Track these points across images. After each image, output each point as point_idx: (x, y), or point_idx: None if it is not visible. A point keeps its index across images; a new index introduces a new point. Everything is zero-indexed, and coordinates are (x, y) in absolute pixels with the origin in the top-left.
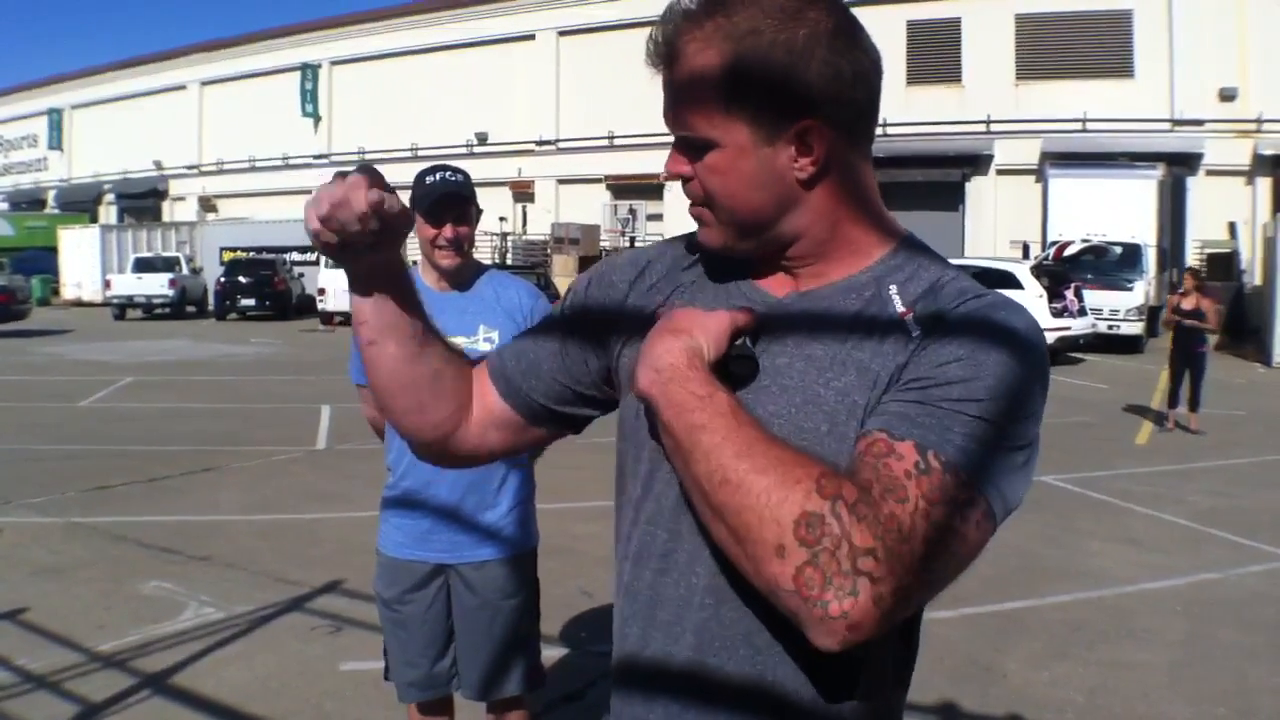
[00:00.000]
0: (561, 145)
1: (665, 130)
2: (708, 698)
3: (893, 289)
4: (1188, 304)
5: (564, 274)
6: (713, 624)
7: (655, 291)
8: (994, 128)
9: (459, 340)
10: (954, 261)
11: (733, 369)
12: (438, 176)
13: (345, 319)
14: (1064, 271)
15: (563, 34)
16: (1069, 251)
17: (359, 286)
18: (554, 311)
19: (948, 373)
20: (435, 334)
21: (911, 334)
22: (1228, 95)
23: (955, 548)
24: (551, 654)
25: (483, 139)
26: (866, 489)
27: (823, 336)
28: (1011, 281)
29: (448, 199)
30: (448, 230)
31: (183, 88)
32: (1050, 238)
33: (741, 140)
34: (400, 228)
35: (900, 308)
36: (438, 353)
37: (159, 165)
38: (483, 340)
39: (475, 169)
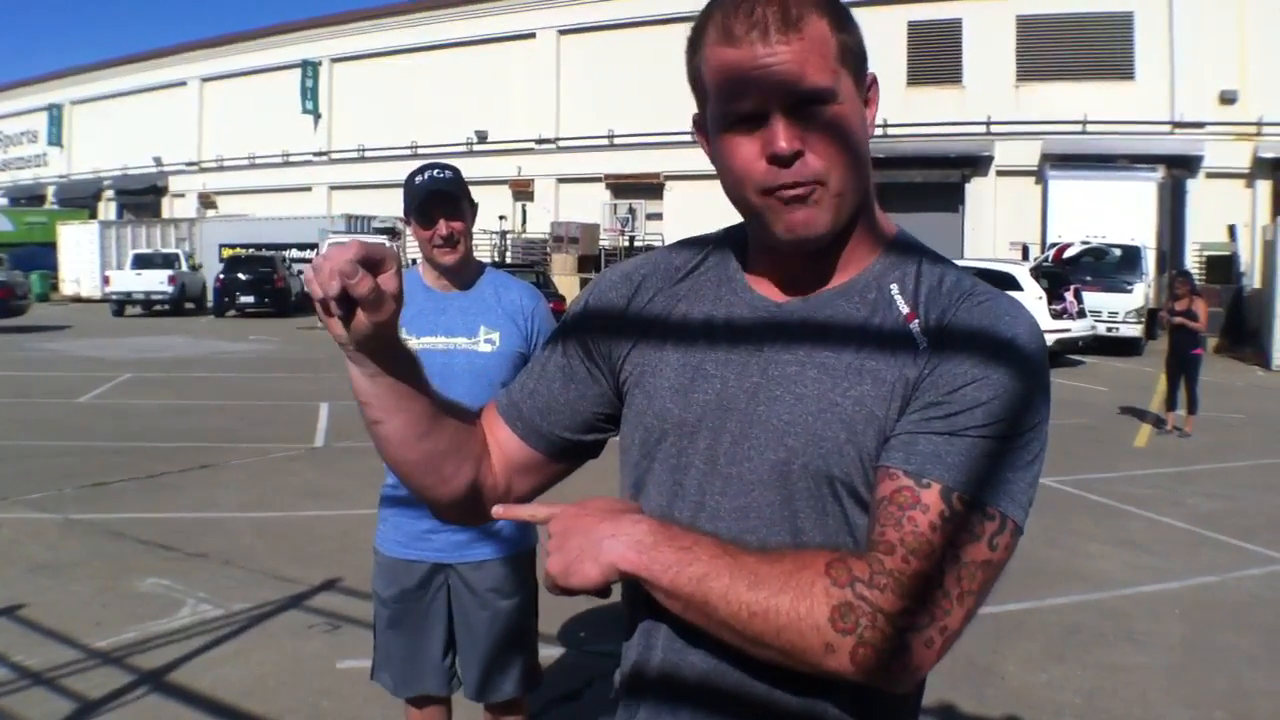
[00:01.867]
0: (561, 144)
1: (665, 130)
2: (726, 711)
3: (894, 289)
4: (1180, 306)
5: (563, 273)
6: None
7: (654, 305)
8: (994, 129)
9: (460, 341)
10: (954, 263)
11: None
12: (425, 175)
13: None
14: (1063, 273)
15: (563, 33)
16: (1068, 253)
17: (357, 362)
18: (552, 341)
19: (966, 396)
20: (444, 404)
21: (919, 344)
22: (1228, 98)
23: (989, 574)
24: (549, 653)
25: (482, 137)
26: (889, 553)
27: (832, 343)
28: (1011, 283)
29: (435, 197)
30: (441, 227)
31: (183, 84)
32: (1050, 239)
33: (850, 92)
34: (382, 301)
35: (904, 309)
36: (450, 424)
37: (159, 162)
38: (483, 341)
39: (475, 167)
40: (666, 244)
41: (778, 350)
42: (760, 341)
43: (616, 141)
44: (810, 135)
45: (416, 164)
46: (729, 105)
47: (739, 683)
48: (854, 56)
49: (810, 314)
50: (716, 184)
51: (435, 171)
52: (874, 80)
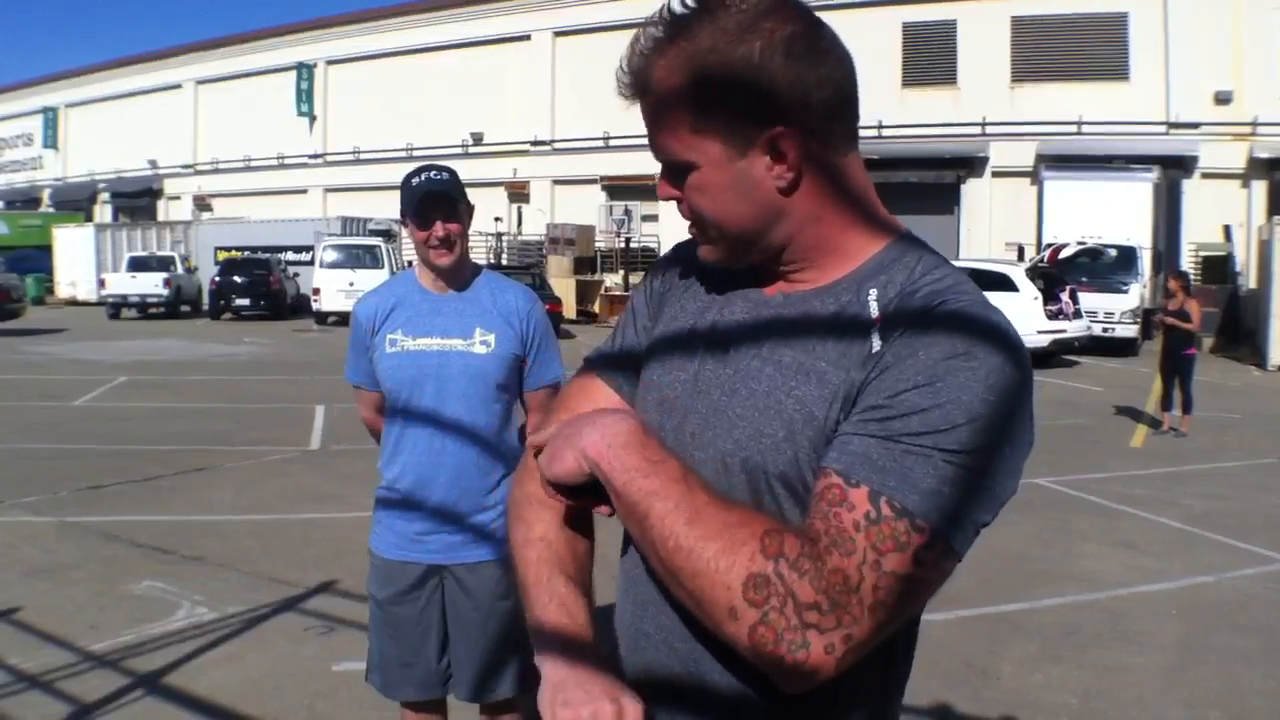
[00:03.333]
0: (557, 146)
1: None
2: (700, 712)
3: (873, 292)
4: (1173, 306)
5: (559, 274)
6: (700, 640)
7: (683, 284)
8: (989, 130)
9: (455, 342)
10: (952, 268)
11: None
12: (423, 177)
13: (339, 319)
14: (1059, 274)
15: (558, 34)
16: (1064, 254)
17: None
18: (630, 309)
19: (905, 402)
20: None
21: (872, 348)
22: (1223, 98)
23: (910, 589)
24: None
25: (478, 139)
26: (814, 541)
27: (794, 342)
28: (1006, 284)
29: (433, 198)
30: (438, 229)
31: (178, 87)
32: (1045, 240)
33: (715, 156)
34: None
35: (875, 314)
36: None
37: (154, 164)
38: (479, 343)
39: (470, 169)
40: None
41: (748, 344)
42: (739, 333)
43: (612, 143)
44: (683, 191)
45: (412, 166)
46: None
47: (690, 670)
48: (724, 115)
49: (784, 311)
50: None
51: (432, 173)
52: (780, 134)
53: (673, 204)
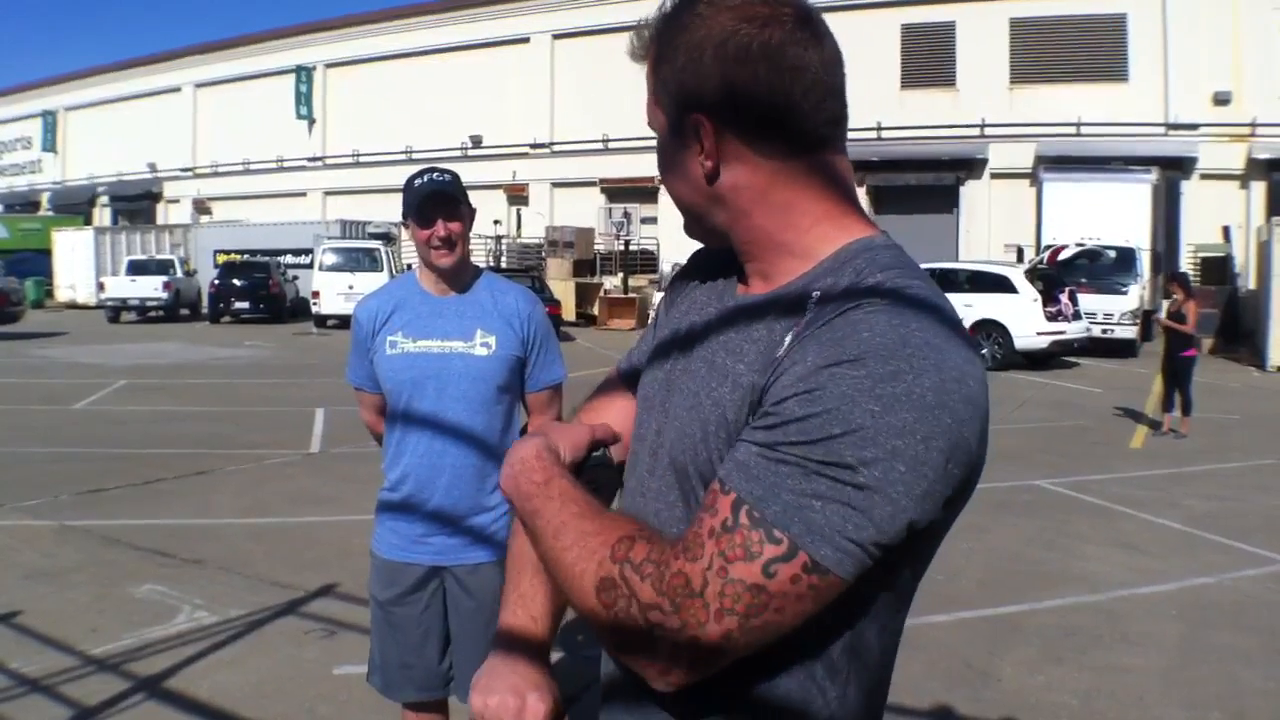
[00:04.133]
0: (556, 148)
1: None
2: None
3: (816, 294)
4: (1173, 307)
5: (558, 277)
6: None
7: (672, 299)
8: (988, 131)
9: (456, 344)
10: (948, 266)
11: (593, 477)
12: (425, 178)
13: (339, 322)
14: (1058, 275)
15: (557, 37)
16: (1063, 255)
17: None
18: (648, 327)
19: (785, 410)
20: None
21: (780, 350)
22: (1222, 99)
23: (764, 601)
24: None
25: (477, 142)
26: (669, 544)
27: (729, 344)
28: (1006, 285)
29: (435, 197)
30: (439, 228)
31: (177, 90)
32: (1044, 241)
33: (663, 129)
34: None
35: (808, 316)
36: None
37: (153, 168)
38: (479, 345)
39: (469, 172)
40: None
41: (701, 345)
42: (698, 333)
43: (611, 146)
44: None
45: (411, 169)
46: None
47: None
48: (669, 94)
49: (733, 311)
50: None
51: (434, 174)
52: (697, 123)
53: (673, 207)
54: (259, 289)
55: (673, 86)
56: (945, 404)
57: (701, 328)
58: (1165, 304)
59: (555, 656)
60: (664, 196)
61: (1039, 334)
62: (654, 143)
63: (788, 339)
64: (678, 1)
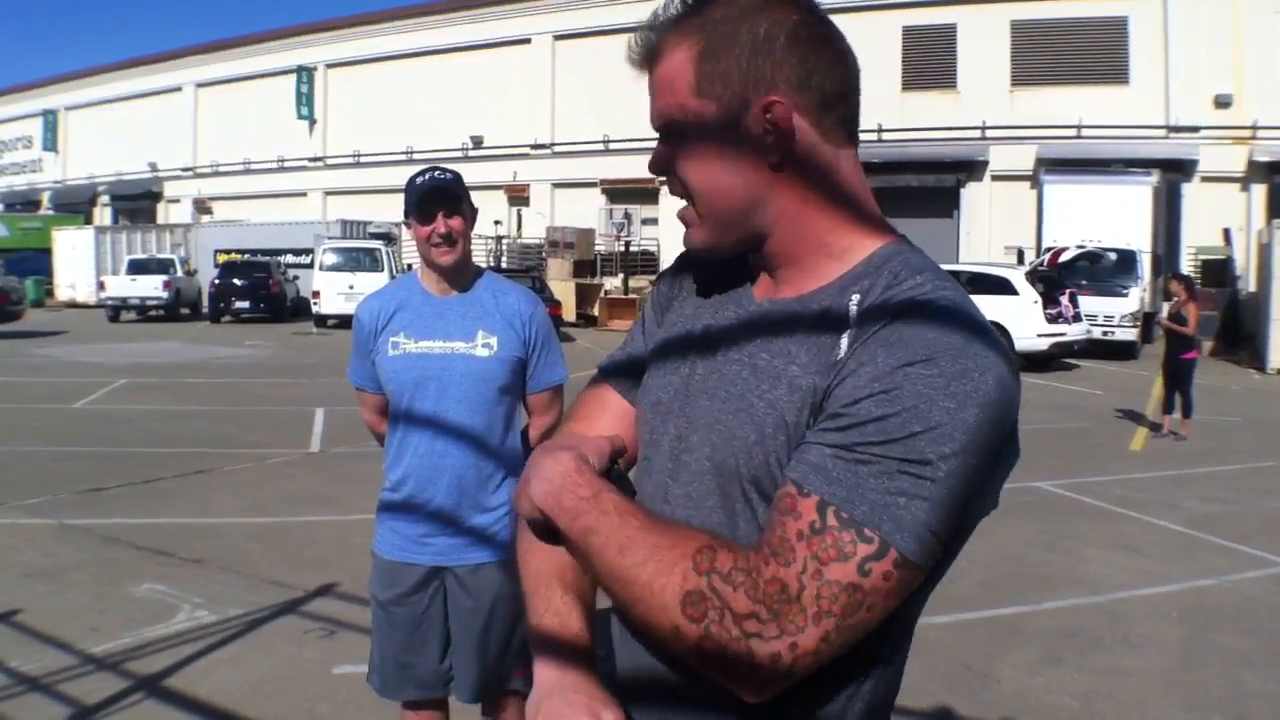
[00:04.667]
0: (557, 149)
1: (658, 134)
2: (683, 706)
3: (854, 297)
4: (1173, 309)
5: (558, 278)
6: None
7: (669, 302)
8: (989, 133)
9: (458, 345)
10: (949, 267)
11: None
12: (426, 176)
13: (339, 322)
14: (1059, 278)
15: (558, 38)
16: (1064, 257)
17: None
18: (641, 314)
19: (862, 410)
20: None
21: (839, 353)
22: (1223, 102)
23: (858, 599)
24: None
25: (478, 142)
26: (756, 551)
27: (772, 346)
28: (1006, 287)
29: (436, 193)
30: (439, 225)
31: (178, 90)
32: (1045, 244)
33: (711, 121)
34: None
35: (854, 317)
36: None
37: (154, 167)
38: (481, 345)
39: (470, 172)
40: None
41: (732, 348)
42: (725, 336)
43: (612, 147)
44: (675, 161)
45: (412, 170)
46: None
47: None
48: (726, 85)
49: (769, 314)
50: None
51: (436, 173)
52: (770, 105)
53: (674, 209)
54: (259, 289)
55: (737, 74)
56: (1004, 400)
57: (727, 331)
58: (1166, 305)
59: None
60: (665, 198)
61: (1039, 336)
62: (654, 143)
63: (843, 341)
64: (696, 5)
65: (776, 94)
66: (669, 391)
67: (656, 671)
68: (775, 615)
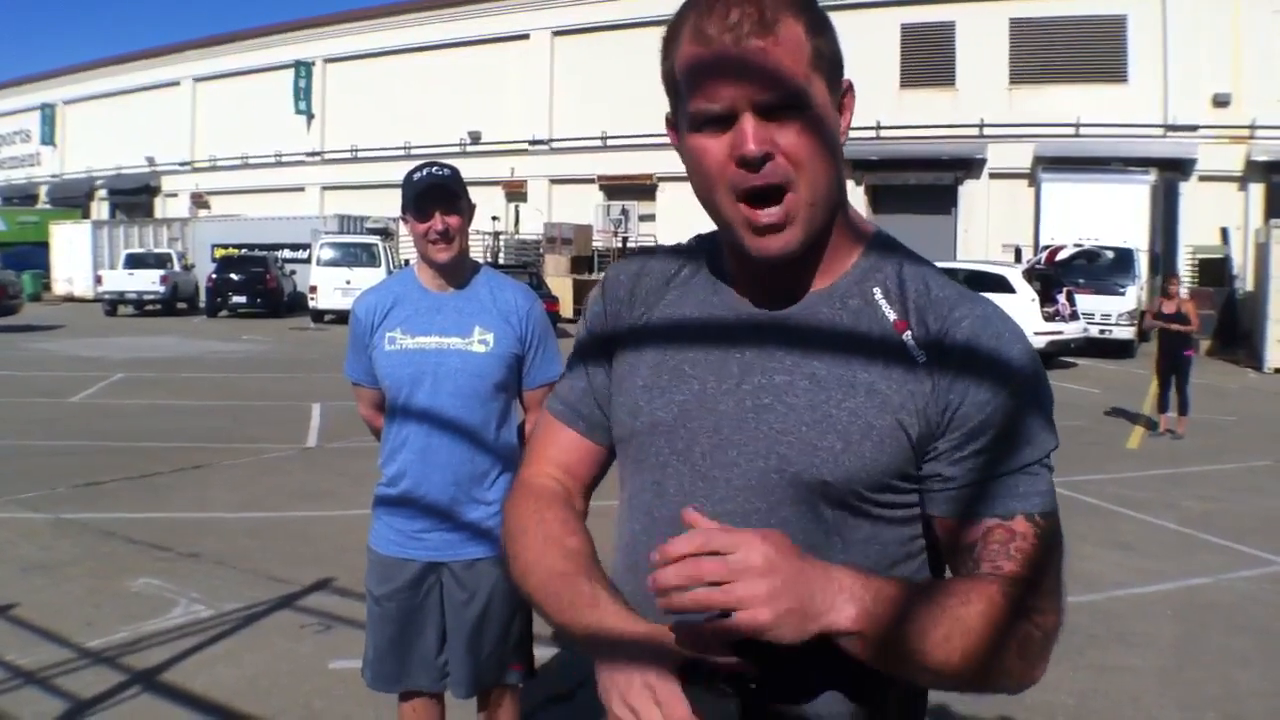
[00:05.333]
0: (555, 145)
1: (658, 131)
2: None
3: (877, 293)
4: (1169, 308)
5: (556, 274)
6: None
7: (640, 310)
8: (987, 131)
9: (454, 341)
10: (945, 265)
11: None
12: (424, 172)
13: (336, 317)
14: (1056, 276)
15: (557, 34)
16: (1061, 256)
17: None
18: (580, 338)
19: (1009, 439)
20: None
21: (916, 358)
22: (1221, 101)
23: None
24: (542, 653)
25: (476, 138)
26: (1026, 579)
27: (821, 353)
28: (1003, 285)
29: (433, 191)
30: (437, 222)
31: (176, 84)
32: (1043, 242)
33: (824, 99)
34: None
35: (891, 316)
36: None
37: (151, 161)
38: (477, 341)
39: (468, 168)
40: (657, 248)
41: (762, 357)
42: (740, 345)
43: (610, 142)
44: (780, 139)
45: (409, 165)
46: (700, 105)
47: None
48: (828, 62)
49: (796, 321)
50: None
51: (434, 169)
52: (849, 87)
53: (671, 205)
54: (256, 283)
55: (830, 55)
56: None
57: (752, 339)
58: (1164, 301)
59: (550, 653)
60: (662, 194)
61: (1036, 334)
62: (652, 139)
63: (906, 340)
64: None
65: (847, 78)
66: (672, 411)
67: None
68: (1059, 607)
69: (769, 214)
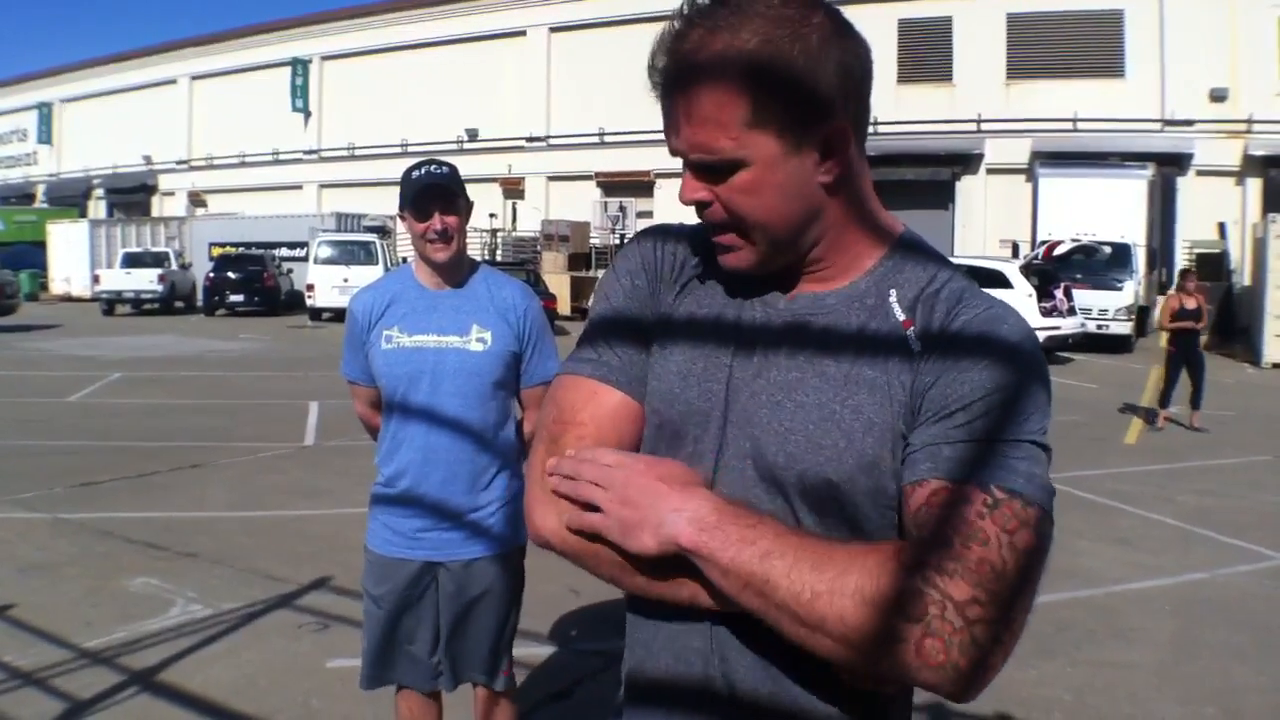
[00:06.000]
0: (552, 142)
1: (655, 128)
2: (722, 712)
3: (893, 294)
4: (1191, 304)
5: (553, 271)
6: (728, 639)
7: (671, 294)
8: (985, 127)
9: (452, 339)
10: (956, 267)
11: None
12: (422, 170)
13: (334, 315)
14: (1053, 271)
15: (554, 30)
16: (1058, 251)
17: None
18: (608, 312)
19: (982, 405)
20: None
21: (913, 349)
22: (1218, 96)
23: (1039, 563)
24: (540, 652)
25: (473, 135)
26: (947, 543)
27: (832, 352)
28: (1001, 281)
29: (432, 190)
30: (435, 221)
31: (173, 82)
32: (1040, 237)
33: (770, 154)
34: None
35: (901, 316)
36: None
37: (148, 160)
38: (475, 340)
39: (465, 165)
40: (683, 227)
41: (779, 354)
42: (763, 342)
43: (607, 139)
44: (720, 190)
45: (407, 162)
46: (667, 137)
47: (742, 686)
48: (782, 111)
49: (813, 319)
50: None
51: (432, 167)
52: (836, 130)
53: (669, 201)
54: (254, 282)
55: (791, 102)
56: (1045, 365)
57: (775, 335)
58: (1184, 298)
59: (548, 651)
60: (660, 191)
61: (1034, 329)
62: (649, 135)
63: (909, 335)
64: (718, 18)
65: (836, 119)
66: (705, 397)
67: (704, 676)
68: (992, 597)
69: (721, 238)
